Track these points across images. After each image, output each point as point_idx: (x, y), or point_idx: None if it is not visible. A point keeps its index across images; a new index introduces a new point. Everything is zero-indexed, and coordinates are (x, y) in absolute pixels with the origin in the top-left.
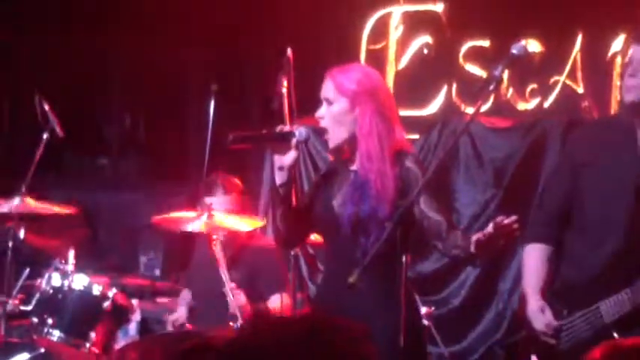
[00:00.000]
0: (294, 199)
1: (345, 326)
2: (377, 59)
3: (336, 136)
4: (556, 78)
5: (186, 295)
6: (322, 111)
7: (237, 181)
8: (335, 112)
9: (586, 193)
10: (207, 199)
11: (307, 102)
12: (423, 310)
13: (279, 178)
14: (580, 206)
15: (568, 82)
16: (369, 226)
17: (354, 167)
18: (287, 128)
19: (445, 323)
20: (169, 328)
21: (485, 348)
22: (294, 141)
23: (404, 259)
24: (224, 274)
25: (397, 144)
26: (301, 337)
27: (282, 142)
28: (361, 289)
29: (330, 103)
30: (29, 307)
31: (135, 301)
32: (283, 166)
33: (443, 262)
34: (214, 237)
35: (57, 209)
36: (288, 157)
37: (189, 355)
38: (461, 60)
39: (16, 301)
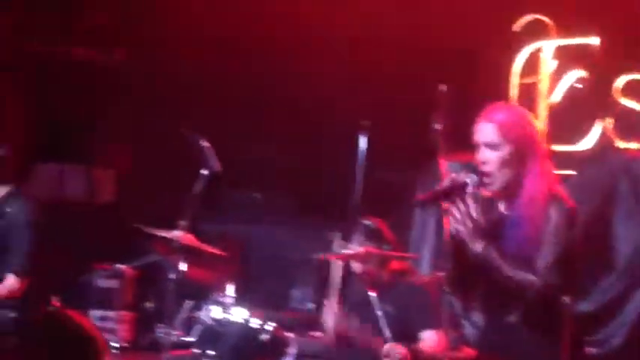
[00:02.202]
0: None
1: None
2: (528, 93)
3: (500, 180)
4: None
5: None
6: (486, 155)
7: (382, 223)
8: (501, 157)
9: None
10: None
11: (461, 138)
12: None
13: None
14: None
15: None
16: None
17: (507, 210)
18: (459, 178)
19: None
20: None
21: None
22: (469, 189)
23: (566, 300)
24: (380, 317)
25: (553, 187)
26: None
27: (459, 192)
28: (523, 329)
29: (494, 148)
30: (191, 339)
31: (290, 335)
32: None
33: (601, 302)
34: (370, 273)
35: (214, 249)
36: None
37: None
38: (616, 94)
39: (179, 332)
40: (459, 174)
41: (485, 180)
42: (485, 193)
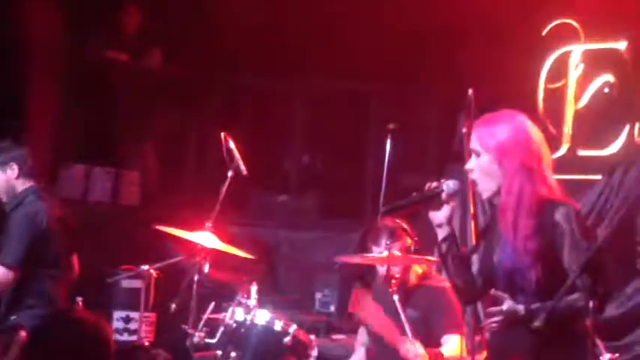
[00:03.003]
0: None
1: None
2: (555, 98)
3: (485, 187)
4: None
5: (361, 334)
6: (471, 164)
7: (403, 225)
8: (481, 165)
9: None
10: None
11: None
12: (607, 356)
13: (440, 234)
14: None
15: None
16: (515, 279)
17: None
18: (434, 185)
19: None
20: None
21: None
22: (443, 195)
23: (590, 304)
24: (404, 320)
25: (542, 196)
26: None
27: (433, 200)
28: (544, 333)
29: (477, 155)
30: (214, 340)
31: (312, 337)
32: (441, 223)
33: (626, 307)
34: (394, 276)
35: (238, 252)
36: (442, 214)
37: None
38: None
39: (202, 334)
40: (432, 183)
41: (477, 188)
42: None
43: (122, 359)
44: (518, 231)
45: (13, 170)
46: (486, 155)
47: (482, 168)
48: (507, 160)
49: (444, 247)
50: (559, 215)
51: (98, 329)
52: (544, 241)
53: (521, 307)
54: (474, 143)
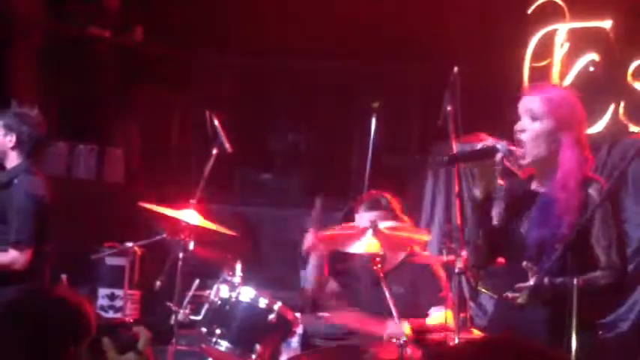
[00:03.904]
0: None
1: (549, 353)
2: (541, 76)
3: (534, 152)
4: None
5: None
6: (525, 124)
7: (389, 197)
8: (539, 129)
9: None
10: (367, 215)
11: (472, 119)
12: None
13: (481, 194)
14: None
15: None
16: (545, 251)
17: (540, 187)
18: (490, 143)
19: (613, 347)
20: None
21: None
22: (498, 156)
23: (575, 281)
24: (388, 297)
25: (588, 171)
26: None
27: (487, 157)
28: (533, 310)
29: (534, 118)
30: (198, 317)
31: (297, 315)
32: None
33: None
34: (377, 256)
35: (222, 229)
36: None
37: None
38: (629, 78)
39: (187, 311)
40: (490, 140)
41: (518, 150)
42: (516, 166)
43: (102, 336)
44: (573, 204)
45: (12, 140)
46: (547, 121)
47: (539, 132)
48: (567, 131)
49: (485, 207)
50: (592, 190)
51: (78, 308)
52: (581, 216)
53: (546, 281)
54: (534, 105)
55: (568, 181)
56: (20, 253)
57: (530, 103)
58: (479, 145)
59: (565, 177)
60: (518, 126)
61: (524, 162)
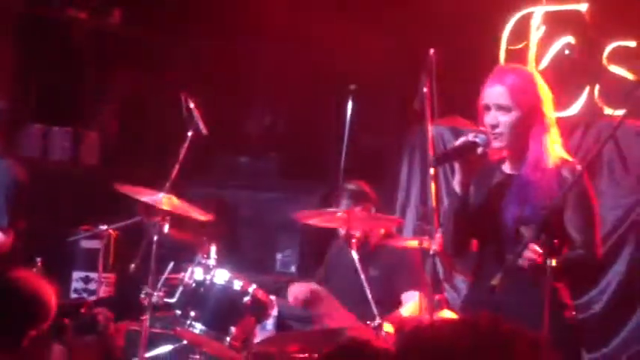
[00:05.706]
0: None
1: (525, 333)
2: (517, 59)
3: (512, 145)
4: None
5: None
6: (496, 119)
7: (366, 188)
8: (511, 121)
9: None
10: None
11: (448, 102)
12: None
13: (461, 189)
14: None
15: None
16: (521, 230)
17: (513, 170)
18: (471, 138)
19: (586, 329)
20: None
21: (627, 356)
22: (479, 149)
23: (549, 262)
24: (363, 279)
25: (561, 151)
26: (481, 342)
27: (469, 153)
28: (507, 292)
29: (503, 110)
30: (173, 300)
31: (272, 297)
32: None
33: None
34: (354, 236)
35: (197, 214)
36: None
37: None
38: (604, 61)
39: (161, 294)
40: (469, 135)
41: (495, 141)
42: (492, 149)
43: (63, 317)
44: (547, 184)
45: None
46: (516, 111)
47: (512, 125)
48: (536, 114)
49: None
50: (566, 172)
51: (34, 293)
52: (555, 197)
53: (519, 263)
54: (503, 98)
55: (540, 162)
56: (3, 236)
57: (496, 97)
58: (458, 142)
59: (537, 157)
60: (489, 119)
61: (499, 145)
